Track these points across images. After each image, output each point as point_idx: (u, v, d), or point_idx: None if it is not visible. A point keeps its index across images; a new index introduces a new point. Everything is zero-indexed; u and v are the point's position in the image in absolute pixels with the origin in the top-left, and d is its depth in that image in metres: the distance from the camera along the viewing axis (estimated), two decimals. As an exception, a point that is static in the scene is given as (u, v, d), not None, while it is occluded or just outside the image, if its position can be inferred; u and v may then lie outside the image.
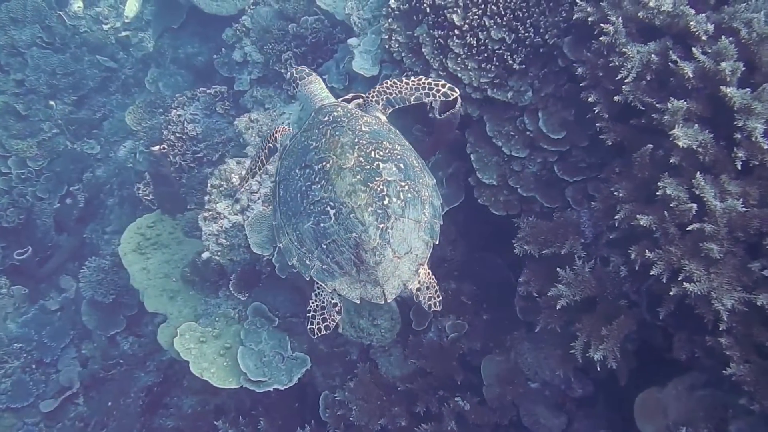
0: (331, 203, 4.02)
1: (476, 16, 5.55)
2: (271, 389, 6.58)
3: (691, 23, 4.39)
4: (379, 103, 4.76)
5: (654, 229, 4.28)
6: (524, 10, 5.46)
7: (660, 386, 4.67)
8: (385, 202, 4.00)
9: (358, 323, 6.35)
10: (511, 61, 5.48)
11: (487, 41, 5.55)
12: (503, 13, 5.50)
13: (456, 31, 5.61)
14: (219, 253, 6.87)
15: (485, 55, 5.56)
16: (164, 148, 7.92)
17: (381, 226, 3.97)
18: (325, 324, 4.29)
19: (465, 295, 6.58)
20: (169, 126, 8.84)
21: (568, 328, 5.02)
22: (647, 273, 4.30)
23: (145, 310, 8.25)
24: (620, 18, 4.68)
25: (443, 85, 4.74)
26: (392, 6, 6.00)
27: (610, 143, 4.87)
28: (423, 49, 5.78)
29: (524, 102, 5.56)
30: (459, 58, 5.63)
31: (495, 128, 5.73)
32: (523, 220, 5.47)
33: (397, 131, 4.63)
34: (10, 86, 11.75)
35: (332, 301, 4.28)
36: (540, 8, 5.44)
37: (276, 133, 4.91)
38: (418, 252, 4.14)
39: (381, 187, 4.03)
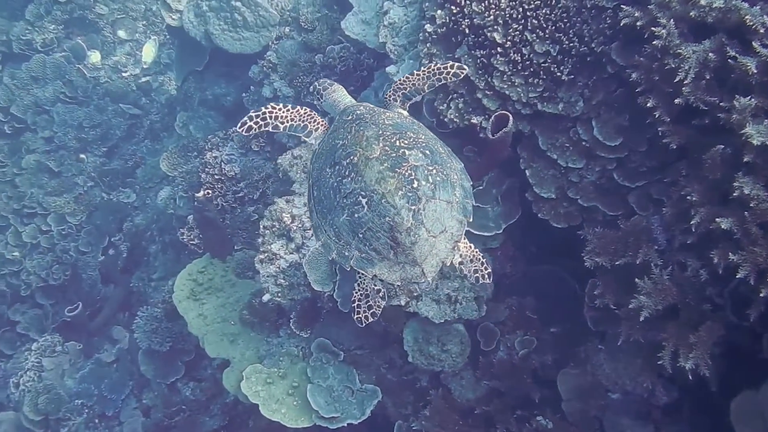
0: (363, 193, 4.10)
1: (517, 32, 5.51)
2: (345, 424, 6.54)
3: (747, 17, 4.32)
4: (397, 101, 4.88)
5: (735, 230, 4.21)
6: (566, 20, 5.42)
7: (754, 389, 4.59)
8: (415, 185, 4.05)
9: (427, 350, 6.31)
10: (558, 73, 5.43)
11: (531, 56, 5.50)
12: (545, 26, 5.45)
13: (498, 49, 5.57)
14: (279, 294, 6.84)
15: (531, 69, 5.51)
16: (209, 193, 7.90)
17: (413, 207, 4.01)
18: (372, 311, 4.36)
19: (529, 310, 6.53)
20: (207, 168, 8.83)
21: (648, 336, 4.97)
22: (730, 275, 4.24)
23: (203, 354, 8.26)
24: (671, 19, 4.62)
25: (452, 66, 4.80)
26: (428, 30, 5.97)
27: (674, 146, 4.80)
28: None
29: (576, 112, 5.50)
30: (504, 76, 5.58)
31: (548, 141, 5.68)
32: (589, 231, 5.40)
33: (421, 124, 4.68)
34: (39, 144, 11.91)
35: (375, 288, 4.36)
36: (582, 17, 5.39)
37: (315, 115, 4.90)
38: (453, 230, 4.17)
39: (409, 171, 4.09)
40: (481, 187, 6.11)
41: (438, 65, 4.84)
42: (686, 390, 5.37)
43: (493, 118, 5.19)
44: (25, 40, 12.87)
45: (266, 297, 6.89)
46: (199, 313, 7.81)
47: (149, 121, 12.42)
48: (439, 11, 5.90)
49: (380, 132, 4.29)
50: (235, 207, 8.67)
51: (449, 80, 4.83)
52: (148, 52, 13.27)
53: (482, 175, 6.05)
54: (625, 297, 4.93)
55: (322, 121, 4.95)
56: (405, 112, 4.86)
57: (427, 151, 4.25)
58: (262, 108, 4.74)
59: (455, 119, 5.89)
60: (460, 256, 4.32)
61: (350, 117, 4.54)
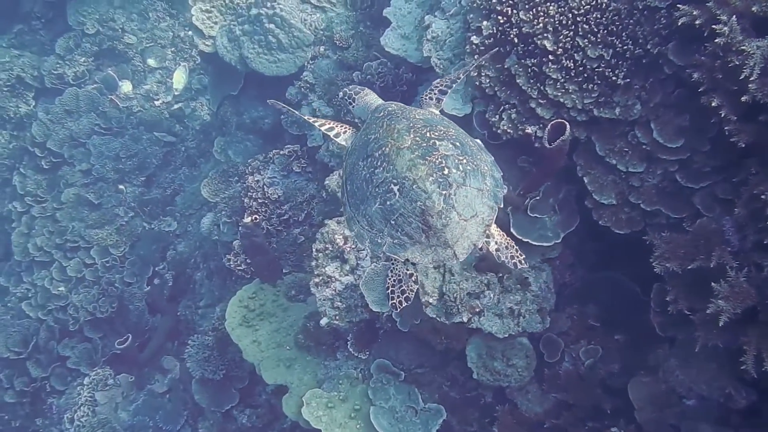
0: (394, 181, 4.17)
1: (568, 38, 5.42)
2: (411, 445, 6.47)
3: (812, 10, 4.22)
4: (432, 99, 4.99)
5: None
6: (617, 23, 5.32)
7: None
8: (445, 172, 4.10)
9: (492, 366, 6.20)
10: (614, 77, 5.33)
11: (584, 61, 5.41)
12: (596, 30, 5.36)
13: (550, 57, 5.49)
14: (337, 317, 6.77)
15: (585, 75, 5.42)
16: (256, 218, 7.87)
17: (444, 192, 4.07)
18: (405, 296, 4.37)
19: (591, 318, 6.41)
20: (249, 192, 8.79)
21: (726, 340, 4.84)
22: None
23: (257, 380, 8.21)
24: (732, 16, 4.51)
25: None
26: (475, 42, 5.90)
27: (742, 145, 4.67)
28: (517, 80, 5.66)
29: (634, 116, 5.40)
30: (558, 83, 5.49)
31: (606, 147, 5.57)
32: (655, 236, 5.27)
33: (452, 122, 4.74)
34: (78, 177, 11.92)
35: (407, 272, 4.38)
36: (634, 19, 5.29)
37: (345, 125, 5.04)
38: (484, 215, 4.21)
39: (439, 159, 4.15)
40: (537, 198, 6.00)
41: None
42: (765, 392, 5.22)
43: (549, 126, 5.09)
44: (56, 74, 12.95)
45: (324, 321, 6.83)
46: (253, 339, 7.76)
47: (184, 147, 12.43)
48: (485, 22, 5.83)
49: (411, 125, 4.38)
50: (281, 230, 8.64)
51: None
52: (179, 78, 13.30)
53: (539, 186, 5.95)
54: (700, 302, 4.81)
55: (349, 126, 5.09)
56: (437, 111, 4.95)
57: (457, 143, 4.32)
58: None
59: (508, 130, 5.80)
60: (496, 243, 4.35)
61: (382, 113, 4.65)
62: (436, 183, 4.06)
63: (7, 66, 13.26)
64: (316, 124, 5.00)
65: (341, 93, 5.33)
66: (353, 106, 5.23)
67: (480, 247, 4.26)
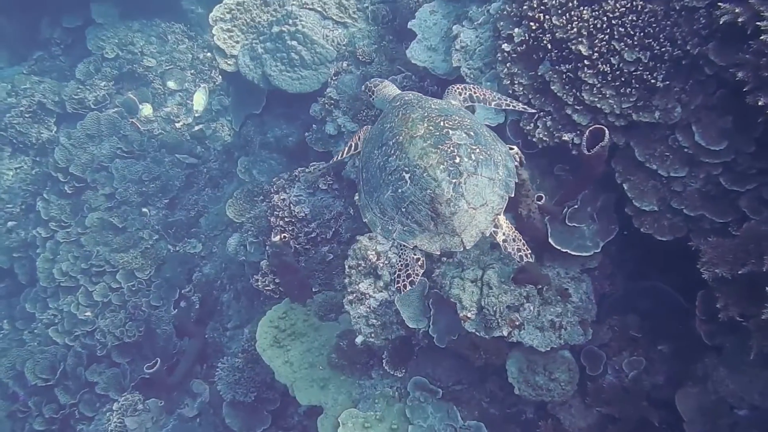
0: (406, 168, 4.26)
1: (604, 42, 5.30)
2: (452, 464, 6.31)
3: None
4: (460, 95, 5.12)
5: None
6: (654, 25, 5.20)
7: None
8: (457, 161, 4.18)
9: (534, 381, 6.04)
10: (652, 80, 5.19)
11: (621, 65, 5.28)
12: (632, 33, 5.24)
13: (585, 62, 5.36)
14: (372, 335, 6.63)
15: (622, 79, 5.29)
16: (285, 237, 7.76)
17: (454, 181, 4.14)
18: (410, 279, 4.43)
19: (633, 329, 6.23)
20: (276, 211, 8.68)
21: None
22: None
23: (288, 402, 8.08)
24: (778, 12, 4.38)
25: (518, 104, 5.17)
26: (507, 50, 5.79)
27: (793, 144, 4.53)
28: (552, 87, 5.54)
29: (674, 119, 5.25)
30: (594, 89, 5.37)
31: (646, 152, 5.43)
32: (701, 242, 5.11)
33: (469, 112, 4.89)
34: (101, 202, 11.90)
35: (414, 257, 4.43)
36: (671, 20, 5.16)
37: (360, 133, 5.15)
38: (494, 204, 4.26)
39: (451, 148, 4.23)
40: (575, 206, 5.86)
41: (507, 100, 5.14)
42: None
43: (587, 133, 4.95)
44: (77, 99, 13.03)
45: (359, 339, 6.69)
46: (285, 360, 7.62)
47: (207, 168, 12.39)
48: (516, 29, 5.73)
49: (426, 114, 4.49)
50: (309, 248, 8.51)
51: (515, 109, 5.16)
52: (199, 100, 13.31)
53: (577, 194, 5.81)
54: (753, 307, 4.64)
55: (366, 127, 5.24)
56: (456, 103, 5.06)
57: (472, 133, 4.39)
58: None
59: (544, 138, 5.68)
60: (503, 234, 4.37)
61: (398, 103, 4.79)
62: (446, 171, 4.14)
63: (28, 92, 13.36)
64: (352, 152, 5.13)
65: (363, 86, 5.55)
66: (374, 99, 5.41)
67: (488, 235, 4.30)
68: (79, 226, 11.80)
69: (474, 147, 4.28)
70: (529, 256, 4.41)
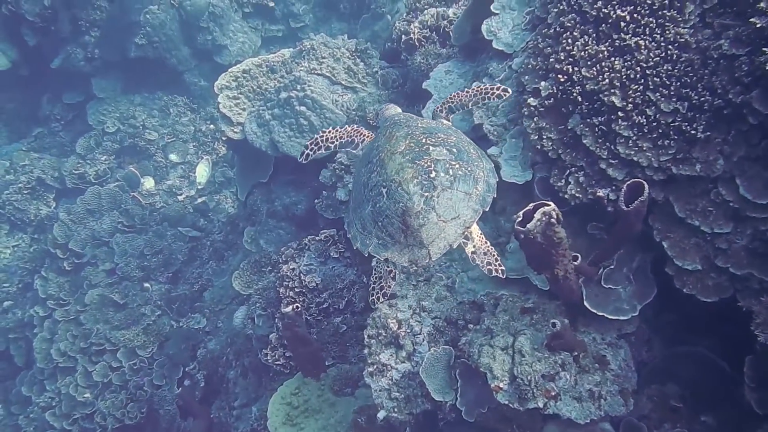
0: (384, 183, 4.49)
1: (638, 93, 5.06)
2: None
3: None
4: (442, 112, 5.58)
5: None
6: (691, 75, 4.95)
7: None
8: (432, 175, 4.39)
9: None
10: (692, 131, 4.92)
11: (657, 116, 5.02)
12: (668, 83, 4.99)
13: (619, 113, 5.10)
14: (395, 409, 6.20)
15: (659, 131, 5.02)
16: (297, 307, 7.38)
17: (426, 194, 4.35)
18: (383, 291, 4.72)
19: (674, 398, 5.83)
20: (285, 282, 8.33)
21: None
22: None
23: (302, 483, 7.61)
24: (829, 54, 4.14)
25: (497, 88, 5.47)
26: (533, 104, 5.54)
27: None
28: (584, 140, 5.27)
29: (716, 171, 4.96)
30: (630, 141, 5.09)
31: (686, 207, 5.11)
32: (751, 302, 4.78)
33: (459, 131, 5.23)
34: (101, 278, 11.59)
35: (387, 269, 4.69)
36: (709, 69, 4.92)
37: (356, 129, 5.69)
38: (466, 217, 4.44)
39: (429, 164, 4.44)
40: (611, 267, 5.53)
41: (485, 87, 5.51)
42: None
43: (625, 187, 4.66)
44: (77, 174, 12.87)
45: (381, 414, 6.25)
46: (299, 439, 7.19)
47: (210, 241, 12.10)
48: (543, 83, 5.49)
49: (410, 132, 4.75)
50: (321, 319, 8.14)
51: (493, 100, 5.50)
52: (202, 172, 13.11)
53: (612, 253, 5.47)
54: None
55: (368, 133, 5.67)
56: (448, 122, 5.45)
57: (454, 149, 4.61)
58: (314, 136, 5.74)
59: (577, 194, 5.38)
60: (473, 246, 4.54)
61: (389, 123, 5.10)
62: (419, 185, 4.37)
63: (27, 169, 13.19)
64: (333, 146, 5.72)
65: (372, 113, 6.39)
66: (377, 122, 5.79)
67: (455, 247, 4.48)
68: (78, 303, 11.45)
69: (453, 163, 4.49)
70: (500, 271, 4.62)
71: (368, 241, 4.60)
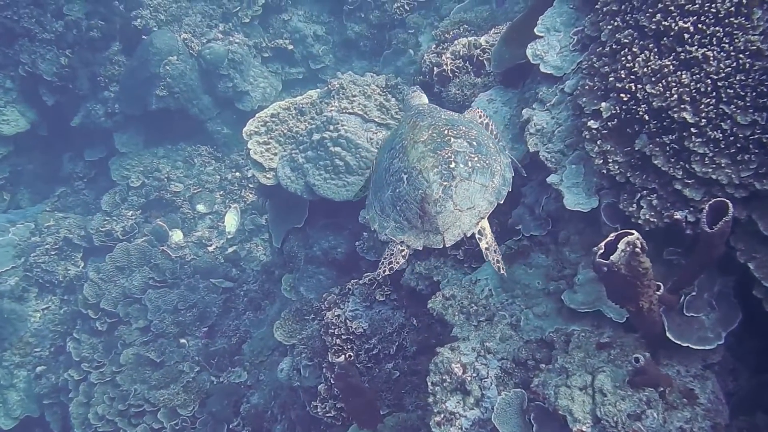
0: (405, 170, 4.66)
1: (711, 107, 4.74)
2: None
3: None
4: (480, 118, 5.65)
5: None
6: (767, 83, 4.63)
7: None
8: (452, 165, 4.56)
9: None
10: (775, 143, 4.60)
11: (735, 129, 4.69)
12: (742, 94, 4.67)
13: (692, 129, 4.78)
14: (468, 460, 5.84)
15: (738, 145, 4.69)
16: (350, 356, 7.04)
17: (444, 183, 4.53)
18: (390, 266, 4.77)
19: (764, 430, 5.44)
20: (330, 329, 8.00)
21: None
22: None
23: None
24: None
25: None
26: (594, 127, 5.23)
27: None
28: (654, 161, 4.94)
29: (804, 183, 4.62)
30: (706, 158, 4.76)
31: (772, 224, 4.77)
32: None
33: (481, 126, 5.42)
34: (136, 336, 11.31)
35: (400, 249, 4.76)
36: (787, 75, 4.61)
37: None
38: (481, 208, 4.61)
39: (449, 154, 4.61)
40: (693, 293, 5.16)
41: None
42: None
43: (707, 207, 4.32)
44: (104, 231, 12.65)
45: (454, 466, 5.89)
46: (360, 495, 6.82)
47: (244, 291, 11.81)
48: (603, 104, 5.19)
49: (433, 122, 4.90)
50: (372, 367, 7.79)
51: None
52: (231, 221, 12.88)
53: (693, 279, 5.11)
54: None
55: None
56: (471, 116, 5.56)
57: (474, 142, 4.78)
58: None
59: (651, 219, 5.03)
60: (487, 243, 4.67)
61: (413, 112, 5.24)
62: (439, 174, 4.54)
63: (52, 230, 12.96)
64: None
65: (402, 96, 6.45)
66: (403, 104, 6.12)
67: (469, 236, 4.61)
68: (113, 364, 11.16)
69: (473, 155, 4.66)
70: (503, 269, 4.77)
71: (386, 223, 4.78)
